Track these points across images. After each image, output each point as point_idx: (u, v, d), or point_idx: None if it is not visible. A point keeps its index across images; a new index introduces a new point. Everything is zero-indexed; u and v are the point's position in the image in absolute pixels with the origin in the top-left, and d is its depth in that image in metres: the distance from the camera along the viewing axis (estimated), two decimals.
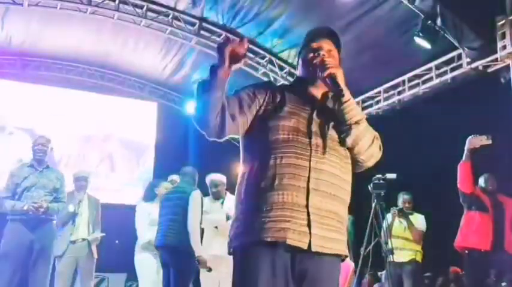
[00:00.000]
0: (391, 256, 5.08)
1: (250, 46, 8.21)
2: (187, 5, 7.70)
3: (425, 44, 6.15)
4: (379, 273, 7.05)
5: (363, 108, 7.86)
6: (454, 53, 6.55)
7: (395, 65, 7.25)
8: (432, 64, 6.87)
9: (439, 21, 5.83)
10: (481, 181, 4.88)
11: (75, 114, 9.67)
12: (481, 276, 4.70)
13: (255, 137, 1.90)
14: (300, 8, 6.94)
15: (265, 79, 8.47)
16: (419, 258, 5.56)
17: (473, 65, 6.28)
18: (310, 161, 1.80)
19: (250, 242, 1.77)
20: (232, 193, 5.09)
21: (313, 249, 1.75)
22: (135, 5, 7.68)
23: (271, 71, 8.43)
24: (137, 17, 7.76)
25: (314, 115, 1.89)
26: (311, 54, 1.98)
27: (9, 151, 9.08)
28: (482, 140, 4.57)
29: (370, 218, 5.18)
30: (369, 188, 5.25)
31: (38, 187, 4.51)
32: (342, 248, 1.86)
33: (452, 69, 6.65)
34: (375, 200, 5.22)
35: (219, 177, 5.17)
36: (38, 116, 9.40)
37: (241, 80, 9.94)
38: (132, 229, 5.37)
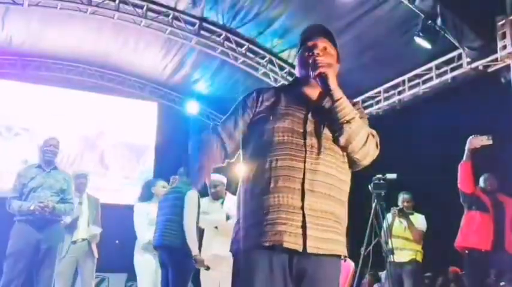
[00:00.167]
0: (391, 256, 5.08)
1: (251, 46, 8.22)
2: (188, 5, 7.70)
3: (425, 44, 6.15)
4: (379, 273, 7.05)
5: (363, 108, 7.84)
6: (454, 53, 6.54)
7: (396, 65, 7.25)
8: (432, 64, 6.87)
9: (439, 21, 5.83)
10: (481, 181, 4.88)
11: (75, 114, 9.67)
12: (481, 276, 4.70)
13: (252, 140, 1.92)
14: (300, 8, 6.94)
15: (265, 79, 8.49)
16: (419, 258, 5.56)
17: (473, 65, 6.27)
18: (304, 162, 1.81)
19: (249, 247, 1.80)
20: (232, 193, 5.11)
21: (309, 251, 1.75)
22: (135, 5, 7.68)
23: (271, 71, 8.43)
24: (137, 17, 7.75)
25: (309, 115, 1.88)
26: (306, 53, 1.97)
27: (9, 151, 9.10)
28: (483, 141, 4.57)
29: (370, 218, 5.18)
30: (369, 188, 5.25)
31: (45, 187, 4.51)
32: (340, 249, 1.85)
33: (453, 69, 6.64)
34: (375, 200, 5.22)
35: (219, 177, 5.17)
36: (38, 116, 9.42)
37: (242, 80, 9.89)
38: (132, 229, 5.36)
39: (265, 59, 8.37)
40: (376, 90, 7.87)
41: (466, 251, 4.74)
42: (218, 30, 8.02)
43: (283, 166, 1.81)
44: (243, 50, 8.27)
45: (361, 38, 6.79)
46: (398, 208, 5.63)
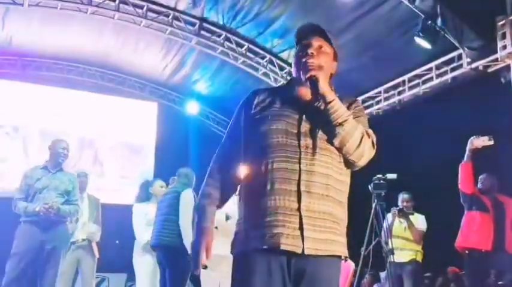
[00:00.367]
0: (391, 256, 5.07)
1: (251, 46, 8.23)
2: (188, 5, 7.70)
3: (425, 44, 6.15)
4: (379, 273, 7.05)
5: (363, 109, 7.84)
6: (454, 53, 6.55)
7: (396, 65, 7.25)
8: (432, 64, 6.87)
9: (439, 22, 5.82)
10: (478, 182, 4.88)
11: (75, 114, 9.67)
12: (481, 276, 4.70)
13: (249, 143, 1.92)
14: (300, 8, 6.94)
15: (266, 79, 8.49)
16: (419, 258, 5.56)
17: (474, 65, 6.27)
18: (299, 163, 1.80)
19: (248, 249, 1.81)
20: None
21: (306, 252, 1.75)
22: (136, 5, 7.69)
23: (271, 71, 8.43)
24: (137, 17, 7.76)
25: (304, 116, 1.87)
26: (300, 53, 1.93)
27: (9, 151, 9.11)
28: (484, 141, 4.57)
29: (370, 218, 5.18)
30: (369, 188, 5.24)
31: (50, 188, 4.51)
32: (339, 249, 1.84)
33: (453, 69, 6.65)
34: (375, 200, 5.21)
35: None
36: (38, 116, 9.42)
37: (242, 80, 9.91)
38: (132, 229, 5.37)
39: (265, 59, 8.38)
40: (376, 90, 7.87)
41: (466, 252, 4.73)
42: (218, 30, 8.03)
43: (279, 168, 1.80)
44: (243, 50, 8.27)
45: (361, 38, 6.79)
46: (398, 208, 5.63)
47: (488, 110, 6.10)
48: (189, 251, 4.43)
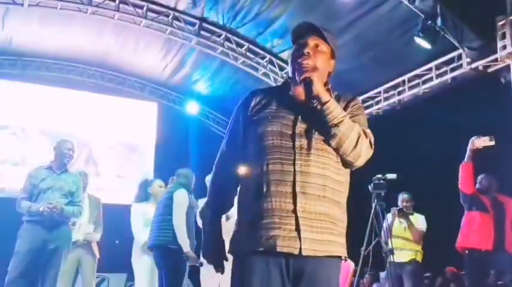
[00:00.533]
0: (391, 256, 5.07)
1: (251, 46, 8.23)
2: (188, 5, 7.71)
3: (425, 44, 6.15)
4: (379, 273, 7.05)
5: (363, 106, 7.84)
6: (454, 53, 6.55)
7: (396, 65, 7.26)
8: (432, 64, 6.87)
9: (439, 22, 5.83)
10: (477, 182, 4.88)
11: (75, 114, 9.67)
12: (481, 276, 4.70)
13: (246, 144, 1.91)
14: (300, 8, 6.94)
15: (265, 79, 8.49)
16: (419, 258, 5.56)
17: (473, 65, 6.28)
18: (294, 165, 1.79)
19: (245, 251, 1.81)
20: None
21: (304, 253, 1.75)
22: (135, 5, 7.69)
23: (271, 71, 8.43)
24: (137, 17, 7.76)
25: (300, 116, 1.85)
26: (295, 53, 1.91)
27: (9, 151, 9.11)
28: (485, 141, 4.55)
29: (370, 218, 5.17)
30: (369, 188, 5.24)
31: (55, 189, 4.51)
32: (337, 249, 1.83)
33: (452, 69, 6.65)
34: (375, 200, 5.21)
35: None
36: (38, 116, 9.42)
37: (242, 80, 9.90)
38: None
39: (265, 59, 8.38)
40: (376, 91, 7.87)
41: (466, 252, 4.73)
42: (218, 30, 8.03)
43: (274, 170, 1.80)
44: (243, 50, 8.27)
45: (361, 38, 6.79)
46: (398, 208, 5.62)
47: (488, 110, 6.11)
48: (184, 251, 4.46)
